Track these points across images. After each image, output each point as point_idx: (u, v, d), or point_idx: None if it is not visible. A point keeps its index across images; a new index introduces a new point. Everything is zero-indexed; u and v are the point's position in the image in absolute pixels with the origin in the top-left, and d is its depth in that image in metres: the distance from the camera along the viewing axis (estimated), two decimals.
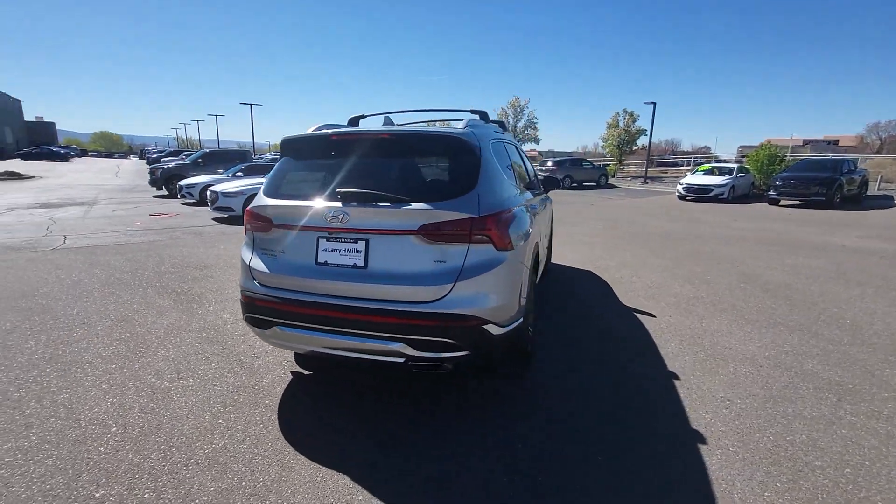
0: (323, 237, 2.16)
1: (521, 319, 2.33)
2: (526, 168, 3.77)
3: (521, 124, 45.20)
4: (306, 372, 2.80)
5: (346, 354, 2.16)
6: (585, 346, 3.21)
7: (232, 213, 8.67)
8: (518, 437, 2.17)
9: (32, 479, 1.84)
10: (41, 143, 50.99)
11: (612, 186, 22.29)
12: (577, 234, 7.89)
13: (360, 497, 1.78)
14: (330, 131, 2.47)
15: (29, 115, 58.54)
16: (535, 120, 45.15)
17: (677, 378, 2.76)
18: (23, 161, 34.86)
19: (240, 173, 11.79)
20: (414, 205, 2.08)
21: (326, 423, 2.27)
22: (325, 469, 1.93)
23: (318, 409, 2.40)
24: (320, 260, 2.17)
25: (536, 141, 46.21)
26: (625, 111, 33.29)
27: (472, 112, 2.99)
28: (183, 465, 1.93)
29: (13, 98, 53.01)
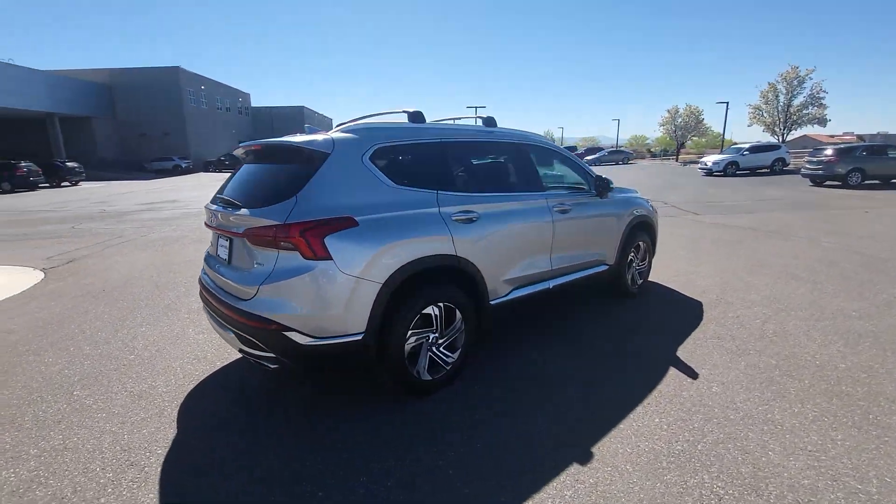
0: (218, 234, 2.75)
1: (363, 335, 2.33)
2: (511, 168, 3.45)
3: (797, 101, 35.33)
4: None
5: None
6: None
7: None
8: None
9: None
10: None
11: None
12: None
13: None
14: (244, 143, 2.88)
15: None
16: (821, 95, 34.48)
17: None
18: None
19: None
20: (242, 210, 2.41)
21: None
22: None
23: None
24: (216, 252, 2.79)
25: (822, 122, 35.19)
26: None
27: (409, 112, 2.96)
28: None
29: (327, 116, 76.46)
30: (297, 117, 59.74)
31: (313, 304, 2.25)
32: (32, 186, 22.12)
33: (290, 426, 2.48)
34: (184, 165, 36.17)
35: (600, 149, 45.54)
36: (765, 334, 3.51)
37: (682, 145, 44.47)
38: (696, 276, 5.19)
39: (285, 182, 2.42)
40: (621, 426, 2.37)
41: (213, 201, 2.79)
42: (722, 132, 40.17)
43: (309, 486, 2.00)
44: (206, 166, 37.95)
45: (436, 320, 2.69)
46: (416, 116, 2.95)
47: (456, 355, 2.85)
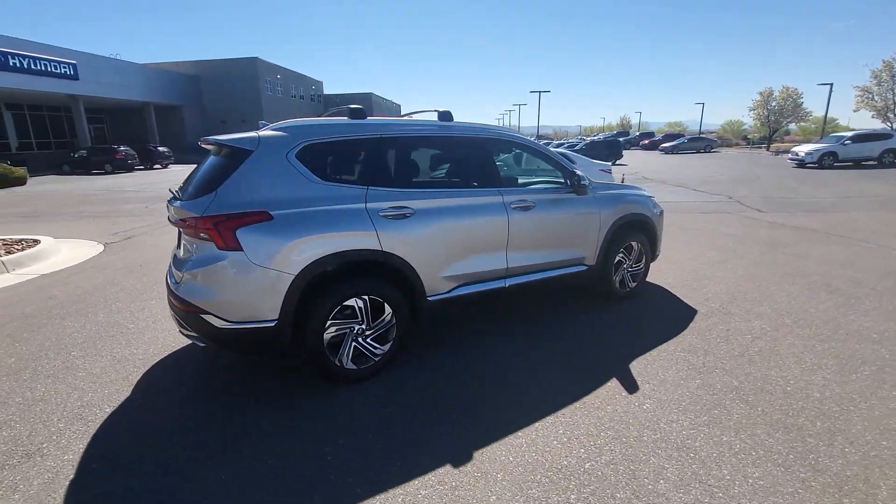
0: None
1: (277, 322, 2.51)
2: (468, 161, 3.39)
3: None
4: None
5: None
6: None
7: None
8: None
9: None
10: None
11: None
12: None
13: None
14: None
15: None
16: None
17: None
18: None
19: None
20: (177, 202, 2.65)
21: None
22: None
23: None
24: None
25: None
26: None
27: (350, 109, 3.04)
28: None
29: (395, 102, 78.28)
30: (365, 103, 61.80)
31: (226, 291, 2.47)
32: (129, 168, 25.26)
33: (233, 398, 2.74)
34: None
35: (679, 135, 41.99)
36: (746, 352, 3.17)
37: (774, 132, 39.59)
38: (711, 280, 4.76)
39: (213, 177, 2.62)
40: (519, 434, 2.33)
41: (171, 192, 3.10)
42: (823, 117, 35.27)
43: (227, 453, 2.23)
44: None
45: (360, 312, 2.80)
46: (357, 113, 3.03)
47: (386, 347, 2.94)
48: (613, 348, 3.29)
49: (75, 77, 24.97)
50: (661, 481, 1.98)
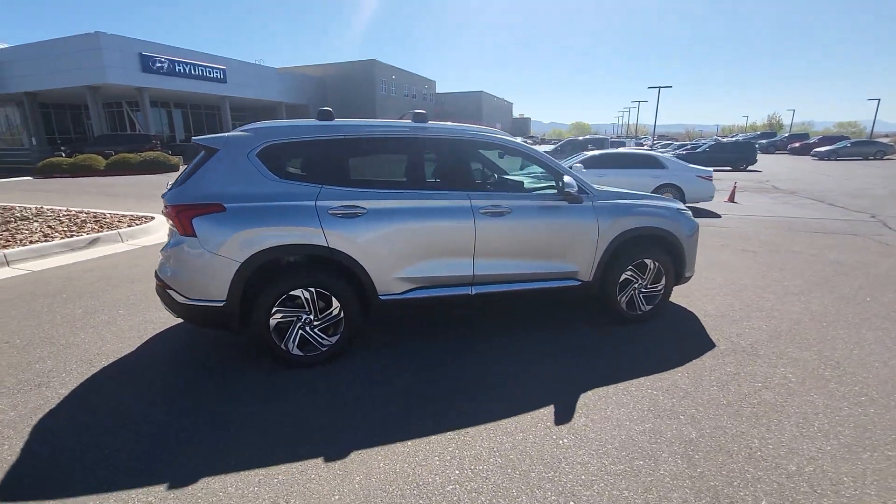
0: None
1: (225, 303, 2.82)
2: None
3: None
4: None
5: None
6: None
7: None
8: None
9: None
10: (523, 134, 72.45)
11: None
12: None
13: None
14: None
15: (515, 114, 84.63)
16: None
17: None
18: None
19: (579, 164, 12.76)
20: (164, 192, 3.03)
21: None
22: None
23: None
24: None
25: None
26: None
27: (319, 111, 3.25)
28: None
29: (507, 101, 77.92)
30: (476, 102, 62.92)
31: (183, 271, 2.87)
32: None
33: (212, 368, 3.18)
34: None
35: (841, 138, 34.91)
36: (738, 403, 2.66)
37: None
38: (761, 314, 4.03)
39: (189, 172, 2.98)
40: (407, 443, 2.31)
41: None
42: None
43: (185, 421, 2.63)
44: None
45: (307, 303, 3.00)
46: (324, 115, 3.22)
47: (334, 339, 3.10)
48: (575, 374, 3.01)
49: (224, 81, 29.75)
50: None
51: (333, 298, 3.03)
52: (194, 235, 2.80)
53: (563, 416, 2.53)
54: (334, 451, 2.25)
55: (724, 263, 5.73)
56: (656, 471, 2.10)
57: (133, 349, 3.43)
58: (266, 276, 2.93)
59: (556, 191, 3.51)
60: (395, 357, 3.26)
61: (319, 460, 2.18)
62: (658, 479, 2.05)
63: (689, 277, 4.07)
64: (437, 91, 61.23)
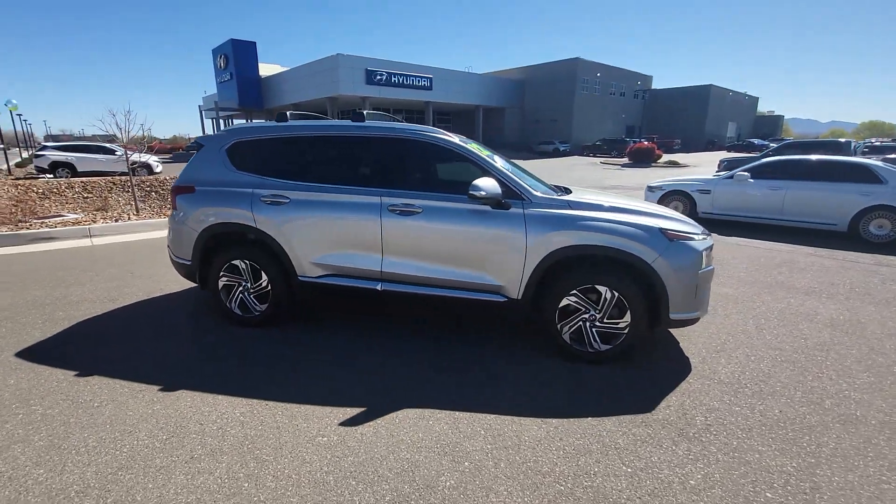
0: None
1: (191, 263, 3.71)
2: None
3: None
4: None
5: None
6: None
7: None
8: None
9: None
10: (765, 135, 59.57)
11: None
12: None
13: None
14: None
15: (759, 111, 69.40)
16: None
17: None
18: (710, 154, 43.51)
19: (744, 173, 9.66)
20: None
21: None
22: None
23: None
24: None
25: None
26: None
27: (278, 114, 3.91)
28: None
29: (750, 95, 64.55)
30: (702, 97, 54.44)
31: (171, 235, 3.90)
32: None
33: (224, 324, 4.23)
34: (562, 148, 41.71)
35: None
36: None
37: None
38: (762, 352, 2.83)
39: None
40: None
41: None
42: None
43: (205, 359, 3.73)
44: (583, 150, 42.13)
45: (244, 272, 3.65)
46: (281, 117, 3.80)
47: (264, 307, 3.68)
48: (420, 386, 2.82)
49: (429, 88, 33.95)
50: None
51: (262, 272, 3.61)
52: (176, 208, 3.77)
53: (358, 422, 2.49)
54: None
55: None
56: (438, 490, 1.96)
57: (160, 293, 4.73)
58: (218, 245, 3.71)
59: (484, 195, 3.21)
60: (319, 331, 3.64)
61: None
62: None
63: (687, 321, 3.13)
64: (656, 86, 55.57)
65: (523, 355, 3.32)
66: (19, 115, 30.09)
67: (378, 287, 3.41)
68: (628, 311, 3.06)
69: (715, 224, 8.57)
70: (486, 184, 3.04)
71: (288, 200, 3.48)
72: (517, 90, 43.32)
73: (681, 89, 55.11)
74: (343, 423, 2.47)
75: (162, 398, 2.71)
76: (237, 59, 34.19)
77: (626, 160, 30.50)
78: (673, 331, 3.74)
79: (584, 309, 3.13)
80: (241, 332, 3.66)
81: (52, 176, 17.00)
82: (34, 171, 18.17)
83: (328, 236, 3.44)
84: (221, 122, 43.65)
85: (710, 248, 3.19)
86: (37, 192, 12.46)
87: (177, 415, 2.54)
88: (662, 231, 3.02)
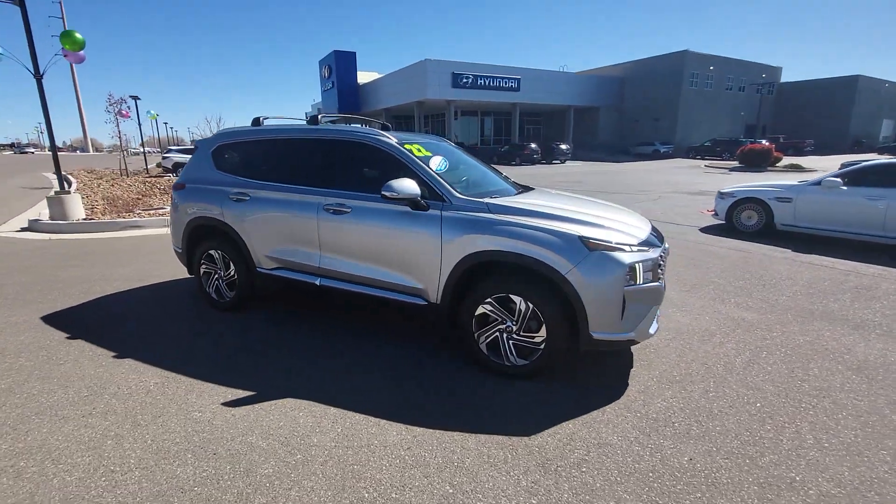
0: None
1: (182, 251, 4.27)
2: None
3: None
4: None
5: None
6: None
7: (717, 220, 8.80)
8: None
9: None
10: None
11: None
12: None
13: None
14: None
15: None
16: None
17: None
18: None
19: (835, 178, 7.31)
20: None
21: None
22: None
23: None
24: None
25: None
26: None
27: (253, 119, 4.16)
28: None
29: None
30: (847, 90, 46.13)
31: (171, 227, 4.49)
32: (532, 162, 31.80)
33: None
34: (662, 150, 38.43)
35: None
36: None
37: None
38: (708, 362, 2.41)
39: None
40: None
41: None
42: None
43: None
44: (688, 152, 38.37)
45: (218, 261, 4.07)
46: (255, 122, 4.11)
47: (232, 294, 4.08)
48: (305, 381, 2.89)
49: (517, 89, 33.58)
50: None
51: (231, 262, 3.99)
52: (172, 203, 4.34)
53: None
54: None
55: None
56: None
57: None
58: (199, 236, 4.19)
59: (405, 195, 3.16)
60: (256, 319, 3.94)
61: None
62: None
63: (617, 343, 2.81)
64: (786, 79, 48.54)
65: (447, 362, 3.24)
66: (164, 122, 36.02)
67: (317, 282, 3.58)
68: (543, 326, 2.83)
69: (797, 239, 7.35)
70: (402, 184, 3.03)
71: (248, 198, 3.81)
72: (614, 88, 40.85)
73: (817, 81, 47.43)
74: (225, 404, 2.68)
75: (109, 363, 3.18)
76: (338, 68, 37.18)
77: (735, 163, 27.16)
78: (637, 354, 3.36)
79: (500, 319, 2.97)
80: (214, 315, 4.09)
81: (174, 175, 20.26)
82: (161, 171, 21.78)
83: (278, 231, 3.71)
84: None
85: (650, 262, 2.82)
86: (159, 188, 14.93)
87: (107, 377, 2.97)
88: (582, 239, 2.75)
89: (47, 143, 15.94)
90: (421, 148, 3.52)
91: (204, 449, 2.28)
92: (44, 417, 2.53)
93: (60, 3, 22.68)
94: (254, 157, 4.04)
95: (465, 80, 31.23)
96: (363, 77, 39.28)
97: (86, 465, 2.15)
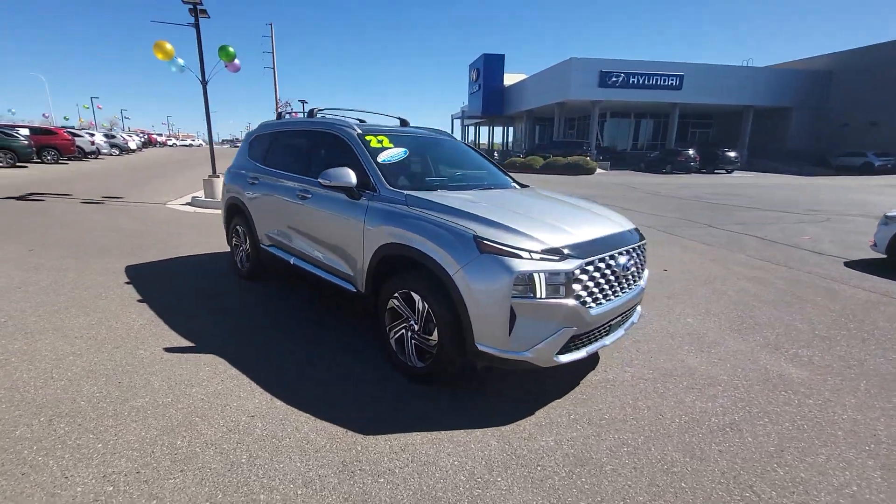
0: None
1: (224, 223, 5.09)
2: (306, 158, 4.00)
3: None
4: None
5: None
6: None
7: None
8: None
9: None
10: None
11: None
12: None
13: None
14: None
15: None
16: None
17: None
18: None
19: None
20: None
21: None
22: None
23: None
24: None
25: None
26: None
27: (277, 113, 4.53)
28: None
29: None
30: None
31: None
32: (687, 170, 27.98)
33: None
34: (877, 164, 30.07)
35: None
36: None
37: None
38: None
39: None
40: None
41: None
42: None
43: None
44: None
45: (242, 236, 4.80)
46: (279, 116, 4.69)
47: (248, 266, 4.77)
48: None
49: (678, 87, 29.97)
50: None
51: (246, 237, 4.68)
52: (223, 184, 5.23)
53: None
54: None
55: None
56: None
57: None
58: (231, 213, 4.98)
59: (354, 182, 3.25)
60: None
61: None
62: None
63: (508, 361, 2.51)
64: None
65: (363, 349, 3.31)
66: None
67: (291, 261, 3.97)
68: (435, 329, 2.70)
69: None
70: (337, 172, 3.17)
71: (258, 182, 4.42)
72: (816, 85, 33.27)
73: None
74: (166, 349, 3.21)
75: (135, 317, 4.03)
76: (486, 71, 38.19)
77: None
78: (583, 385, 2.94)
79: (405, 316, 2.92)
80: (238, 283, 4.83)
81: None
82: None
83: (270, 212, 4.23)
84: (471, 128, 49.82)
85: (560, 274, 2.44)
86: None
87: (120, 329, 3.77)
88: (476, 239, 2.52)
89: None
90: (384, 140, 3.61)
91: (141, 416, 2.80)
92: (36, 357, 3.40)
93: (271, 26, 28.00)
94: (268, 147, 4.64)
95: (613, 79, 29.11)
96: (510, 79, 39.61)
97: None
